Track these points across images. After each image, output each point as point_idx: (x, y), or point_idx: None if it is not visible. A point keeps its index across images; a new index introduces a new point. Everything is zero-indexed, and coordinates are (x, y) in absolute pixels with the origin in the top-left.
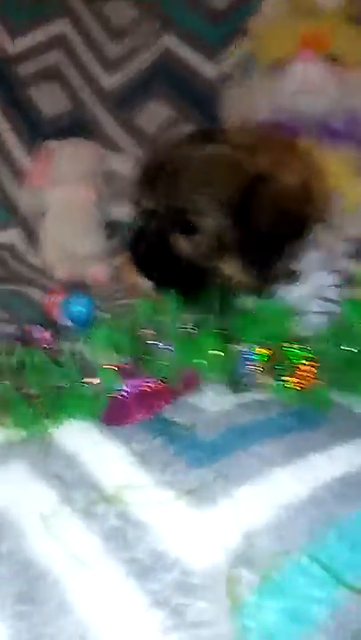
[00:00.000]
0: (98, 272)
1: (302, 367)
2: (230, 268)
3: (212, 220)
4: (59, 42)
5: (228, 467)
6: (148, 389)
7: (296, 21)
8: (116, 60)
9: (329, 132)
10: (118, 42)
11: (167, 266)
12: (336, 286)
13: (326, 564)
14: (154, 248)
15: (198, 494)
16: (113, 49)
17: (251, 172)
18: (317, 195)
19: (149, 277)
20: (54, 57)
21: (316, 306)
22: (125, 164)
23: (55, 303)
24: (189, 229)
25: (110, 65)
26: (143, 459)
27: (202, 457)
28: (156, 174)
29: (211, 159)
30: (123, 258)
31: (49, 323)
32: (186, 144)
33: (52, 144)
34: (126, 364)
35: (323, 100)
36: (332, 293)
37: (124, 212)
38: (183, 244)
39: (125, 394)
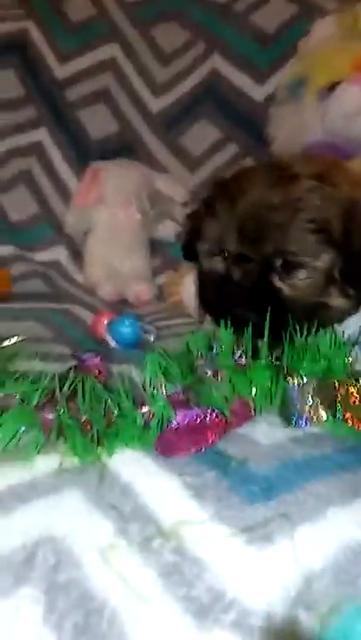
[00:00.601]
0: (142, 291)
1: (359, 402)
2: (337, 300)
3: (325, 259)
4: (108, 66)
5: (284, 504)
6: (201, 421)
7: (349, 44)
8: (163, 83)
9: None
10: (167, 65)
11: (268, 309)
12: None
13: None
14: (249, 293)
15: (255, 532)
16: (161, 72)
17: (343, 200)
18: None
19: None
20: (103, 81)
21: None
22: (171, 185)
23: (102, 323)
24: (293, 271)
25: (158, 88)
26: (197, 492)
27: (257, 492)
28: (243, 222)
29: (302, 197)
30: (166, 277)
31: (95, 343)
32: (261, 185)
33: (99, 165)
34: (178, 393)
35: None
36: None
37: (168, 231)
38: (289, 287)
39: (178, 424)
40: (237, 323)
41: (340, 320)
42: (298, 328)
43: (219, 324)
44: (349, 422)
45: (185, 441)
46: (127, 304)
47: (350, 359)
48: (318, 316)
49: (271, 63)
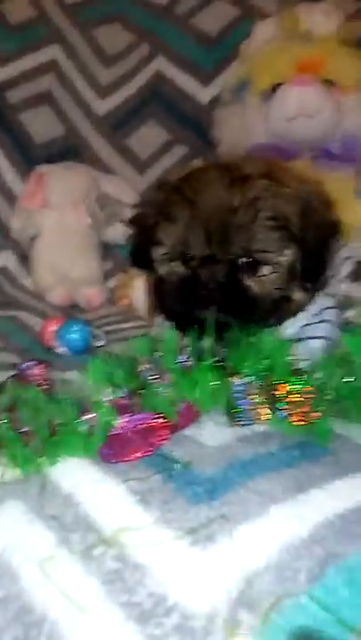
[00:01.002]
0: (93, 295)
1: (301, 399)
2: (298, 293)
3: (287, 254)
4: (49, 68)
5: (227, 504)
6: (147, 425)
7: (291, 46)
8: (108, 85)
9: (326, 154)
10: (110, 67)
11: (236, 308)
12: (334, 308)
13: (326, 603)
14: (218, 294)
15: (198, 533)
16: (105, 74)
17: (297, 197)
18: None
19: (180, 322)
20: (45, 83)
21: (316, 330)
22: (119, 187)
23: (50, 330)
24: (258, 267)
25: (103, 90)
26: (142, 497)
27: (201, 493)
28: (209, 224)
29: (260, 197)
30: (116, 280)
31: (43, 350)
32: (217, 186)
33: (44, 168)
34: (123, 398)
35: (319, 124)
36: (331, 315)
37: (118, 233)
38: (256, 283)
39: (123, 430)
40: (202, 325)
41: (297, 313)
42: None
43: (182, 330)
44: (292, 419)
45: (130, 446)
46: (78, 308)
47: (292, 357)
48: (282, 309)
49: (215, 65)
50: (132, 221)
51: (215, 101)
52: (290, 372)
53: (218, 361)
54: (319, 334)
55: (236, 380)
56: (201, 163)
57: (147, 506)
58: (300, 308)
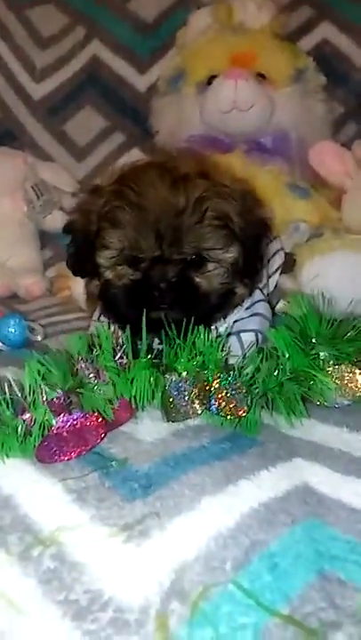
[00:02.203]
0: (32, 285)
1: (231, 393)
2: (240, 288)
3: (232, 251)
4: None
5: (161, 499)
6: (83, 424)
7: (225, 38)
8: (43, 69)
9: (259, 148)
10: (45, 49)
11: (186, 305)
12: (263, 301)
13: (250, 590)
14: (170, 293)
15: (133, 529)
16: (40, 57)
17: (236, 196)
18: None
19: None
20: None
21: (248, 323)
22: (57, 174)
23: None
24: (204, 264)
25: (38, 73)
26: (79, 495)
27: (137, 489)
28: (159, 227)
29: (204, 197)
30: (56, 270)
31: None
32: (159, 188)
33: None
34: (59, 397)
35: (253, 118)
36: (262, 308)
37: (57, 222)
38: (204, 280)
39: (59, 430)
40: (152, 325)
41: (237, 306)
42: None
43: (135, 333)
44: (223, 412)
45: (66, 446)
46: (18, 299)
47: (223, 354)
48: (227, 303)
49: (152, 52)
50: (69, 229)
51: (153, 89)
52: (221, 368)
53: (153, 358)
54: (251, 327)
55: (171, 377)
56: (134, 157)
57: (83, 504)
58: (241, 301)
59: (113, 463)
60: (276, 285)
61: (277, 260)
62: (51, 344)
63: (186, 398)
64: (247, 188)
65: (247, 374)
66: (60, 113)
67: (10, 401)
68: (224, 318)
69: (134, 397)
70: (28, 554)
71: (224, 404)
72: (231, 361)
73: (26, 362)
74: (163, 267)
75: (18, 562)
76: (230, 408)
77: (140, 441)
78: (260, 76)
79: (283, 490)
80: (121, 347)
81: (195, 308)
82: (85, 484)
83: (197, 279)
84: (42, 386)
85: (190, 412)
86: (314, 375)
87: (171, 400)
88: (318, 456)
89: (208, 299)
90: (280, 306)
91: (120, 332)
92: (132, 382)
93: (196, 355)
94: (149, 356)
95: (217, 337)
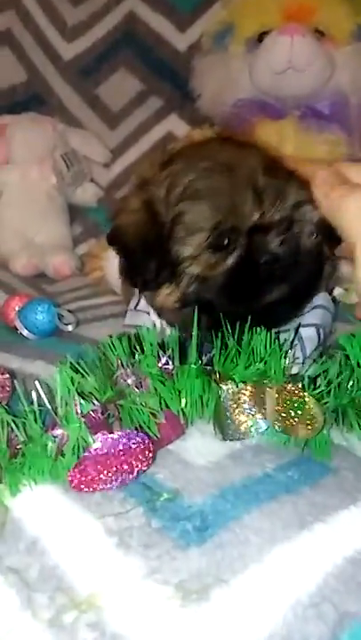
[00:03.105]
0: (61, 264)
1: (300, 409)
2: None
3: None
4: (9, 4)
5: (221, 546)
6: (126, 445)
7: None
8: (75, 27)
9: (314, 113)
10: (78, 5)
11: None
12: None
13: None
14: (286, 263)
15: (189, 589)
16: (72, 13)
17: None
18: None
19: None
20: (5, 21)
21: (307, 317)
22: (88, 143)
23: (12, 309)
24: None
25: (69, 32)
26: (121, 539)
27: (190, 532)
28: (250, 182)
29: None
30: (88, 247)
31: (6, 330)
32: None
33: (5, 119)
34: (95, 411)
35: (309, 79)
36: (322, 299)
37: (88, 195)
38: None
39: (98, 451)
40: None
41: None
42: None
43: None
44: (292, 431)
45: (107, 471)
46: (45, 279)
47: (288, 361)
48: (322, 270)
49: (194, 7)
50: (117, 237)
51: (194, 49)
52: (286, 378)
53: (205, 364)
54: (310, 321)
55: (227, 387)
56: (172, 124)
57: (126, 551)
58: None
59: (162, 496)
60: None
61: None
62: (84, 334)
63: (245, 413)
64: None
65: (319, 386)
66: (93, 75)
67: (38, 412)
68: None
69: (182, 411)
70: (59, 620)
71: (293, 420)
72: (294, 369)
73: (58, 367)
74: (265, 235)
75: (48, 629)
76: (295, 424)
77: (191, 465)
78: (319, 33)
79: None
80: (166, 349)
81: (312, 277)
82: (129, 524)
83: (306, 242)
84: (76, 396)
85: (250, 430)
86: None
87: (228, 415)
88: None
89: (315, 261)
90: (336, 292)
91: (168, 330)
92: (179, 393)
93: (255, 361)
94: (200, 362)
95: (277, 338)
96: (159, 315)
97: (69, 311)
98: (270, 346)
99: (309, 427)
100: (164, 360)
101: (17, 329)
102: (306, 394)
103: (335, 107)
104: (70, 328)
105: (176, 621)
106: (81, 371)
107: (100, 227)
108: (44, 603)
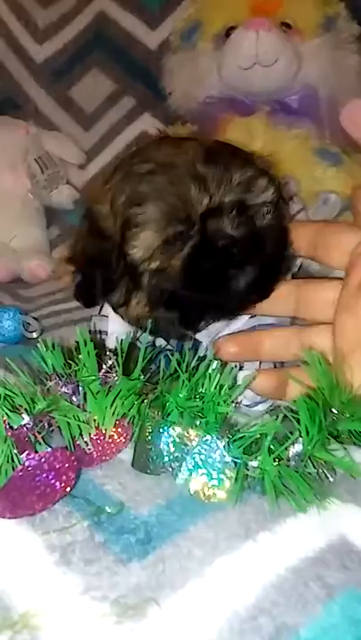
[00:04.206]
0: (37, 267)
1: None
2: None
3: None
4: None
5: (163, 559)
6: (51, 465)
7: None
8: (46, 28)
9: (283, 108)
10: (48, 7)
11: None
12: None
13: None
14: (242, 245)
15: (126, 605)
16: (42, 15)
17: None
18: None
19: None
20: None
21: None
22: (62, 145)
23: None
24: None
25: (40, 34)
26: (63, 555)
27: (133, 546)
28: (191, 170)
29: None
30: (60, 252)
31: None
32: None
33: None
34: (27, 425)
35: (277, 74)
36: None
37: (63, 197)
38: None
39: (23, 473)
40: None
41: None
42: None
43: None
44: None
45: (29, 496)
46: (20, 283)
47: (230, 408)
48: (287, 246)
49: (163, 4)
50: (74, 256)
51: (165, 46)
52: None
53: (150, 378)
54: (269, 322)
55: (155, 415)
56: (146, 123)
57: (67, 568)
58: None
59: (107, 509)
60: (300, 267)
61: None
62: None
63: (166, 452)
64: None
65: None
66: (65, 76)
67: None
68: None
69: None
70: None
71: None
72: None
73: None
74: (218, 219)
75: None
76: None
77: (141, 475)
78: (285, 26)
79: (315, 547)
80: (110, 357)
81: (269, 255)
82: (72, 539)
83: (261, 221)
84: (3, 412)
85: (166, 471)
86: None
87: (148, 447)
88: (358, 495)
89: (276, 240)
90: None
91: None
92: (106, 409)
93: (196, 396)
94: (142, 376)
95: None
96: (137, 325)
97: (36, 319)
98: (216, 380)
99: (220, 488)
100: (105, 369)
101: None
102: (222, 449)
103: (304, 100)
104: (35, 335)
105: (111, 639)
106: (7, 383)
107: (77, 228)
108: None
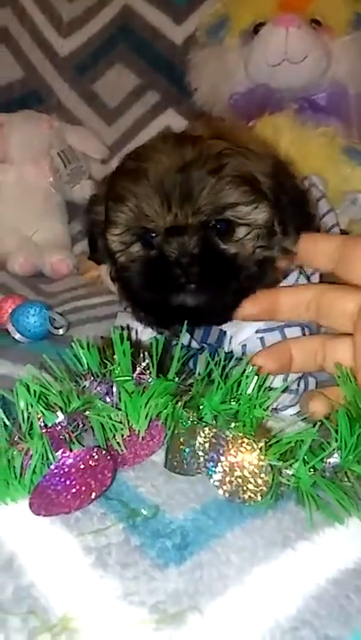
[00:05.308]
0: (59, 263)
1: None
2: (280, 256)
3: (260, 211)
4: (6, 2)
5: (200, 566)
6: (87, 463)
7: None
8: (71, 22)
9: (311, 106)
10: (73, 1)
11: (217, 280)
12: None
13: None
14: (195, 267)
15: (165, 611)
16: (67, 8)
17: (264, 157)
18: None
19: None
20: (1, 19)
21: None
22: (85, 139)
23: (5, 310)
24: (233, 230)
25: (65, 27)
26: (99, 557)
27: (169, 550)
28: (161, 186)
29: (221, 153)
30: (83, 247)
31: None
32: (166, 150)
33: (1, 117)
34: (62, 423)
35: (305, 71)
36: None
37: (86, 192)
38: (233, 246)
39: (57, 470)
40: (179, 313)
41: (281, 281)
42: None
43: (164, 325)
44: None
45: (65, 494)
46: (43, 278)
47: (267, 412)
48: (267, 273)
49: (189, 0)
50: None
51: (190, 41)
52: (260, 430)
53: (185, 379)
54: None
55: (189, 416)
56: (170, 119)
57: (104, 571)
58: (284, 276)
59: (142, 511)
60: None
61: None
62: (76, 337)
63: (201, 452)
64: (277, 153)
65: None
66: (89, 71)
67: (3, 423)
68: None
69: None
70: None
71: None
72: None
73: (18, 380)
74: (179, 237)
75: None
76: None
77: (174, 477)
78: (315, 23)
79: (354, 558)
80: (145, 357)
81: (228, 284)
82: (107, 541)
83: (224, 245)
84: (38, 409)
85: (200, 471)
86: None
87: (181, 448)
88: None
89: (242, 267)
90: None
91: (148, 337)
92: (141, 409)
93: (231, 399)
94: (177, 378)
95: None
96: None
97: (61, 314)
98: (256, 387)
99: (254, 491)
100: (139, 370)
101: (8, 332)
102: (259, 453)
103: (333, 98)
104: (61, 332)
105: None
106: (43, 381)
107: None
108: (16, 625)
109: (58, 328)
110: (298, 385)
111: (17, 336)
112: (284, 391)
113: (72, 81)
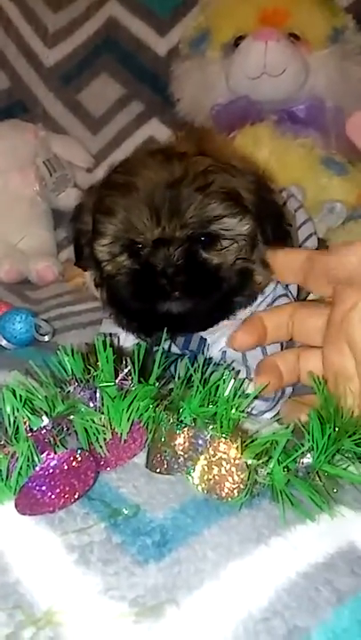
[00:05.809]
0: (45, 270)
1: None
2: (260, 269)
3: (244, 224)
4: None
5: (178, 562)
6: (70, 465)
7: None
8: (56, 32)
9: (290, 117)
10: (58, 11)
11: (201, 289)
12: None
13: None
14: (179, 278)
15: (145, 605)
16: (53, 19)
17: (246, 172)
18: None
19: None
20: None
21: None
22: (71, 148)
23: None
24: (217, 241)
25: (51, 37)
26: (82, 555)
27: (149, 547)
28: (154, 203)
29: (206, 170)
30: (68, 254)
31: None
32: (153, 165)
33: None
34: (47, 427)
35: (284, 84)
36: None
37: (71, 200)
38: (216, 256)
39: (42, 471)
40: (164, 320)
41: (258, 293)
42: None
43: (148, 332)
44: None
45: (49, 494)
46: (28, 285)
47: (242, 414)
48: (248, 284)
49: (173, 12)
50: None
51: (174, 53)
52: (234, 432)
53: (165, 384)
54: None
55: (169, 419)
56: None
57: (86, 568)
58: (262, 289)
59: (124, 511)
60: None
61: (308, 247)
62: (61, 344)
63: (180, 452)
64: (259, 169)
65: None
66: (74, 81)
67: None
68: (245, 307)
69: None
70: (18, 636)
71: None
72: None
73: (4, 386)
74: (165, 249)
75: None
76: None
77: (155, 478)
78: (294, 37)
79: (324, 553)
80: (127, 363)
81: (210, 293)
82: (90, 539)
83: (207, 255)
84: (24, 414)
85: (180, 471)
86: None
87: (162, 448)
88: None
89: (224, 277)
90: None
91: (131, 343)
92: (123, 413)
93: (210, 402)
94: (157, 383)
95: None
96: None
97: (46, 321)
98: (231, 390)
99: (232, 488)
100: (121, 375)
101: None
102: (236, 452)
103: (311, 110)
104: (47, 338)
105: (129, 638)
106: (29, 386)
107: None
108: (3, 620)
109: (43, 335)
110: (275, 393)
111: (3, 342)
112: (256, 398)
113: (57, 90)
